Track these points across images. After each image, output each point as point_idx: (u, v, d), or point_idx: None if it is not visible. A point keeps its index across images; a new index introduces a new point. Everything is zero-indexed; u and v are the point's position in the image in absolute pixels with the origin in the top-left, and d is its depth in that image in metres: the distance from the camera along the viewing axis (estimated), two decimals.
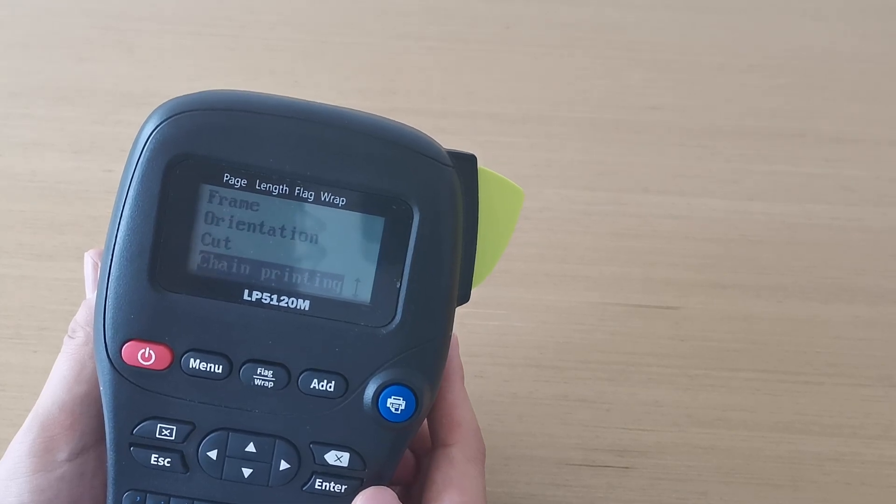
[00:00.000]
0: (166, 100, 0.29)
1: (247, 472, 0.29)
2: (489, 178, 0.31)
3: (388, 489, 0.30)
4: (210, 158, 0.28)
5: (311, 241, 0.29)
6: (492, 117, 0.54)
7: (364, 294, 0.29)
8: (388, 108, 0.52)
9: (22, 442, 0.29)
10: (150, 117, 0.28)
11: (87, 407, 0.30)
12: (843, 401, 0.44)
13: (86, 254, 0.32)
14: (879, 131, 0.55)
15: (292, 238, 0.29)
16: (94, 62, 0.55)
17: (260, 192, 0.28)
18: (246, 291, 0.29)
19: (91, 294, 0.31)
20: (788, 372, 0.45)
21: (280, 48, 0.57)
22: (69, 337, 0.31)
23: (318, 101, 0.30)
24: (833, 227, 0.50)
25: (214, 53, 0.57)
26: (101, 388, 0.29)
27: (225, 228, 0.29)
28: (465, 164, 0.30)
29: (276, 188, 0.28)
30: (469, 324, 0.45)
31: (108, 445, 0.29)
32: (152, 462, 0.29)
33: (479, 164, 0.31)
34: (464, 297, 0.31)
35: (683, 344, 0.45)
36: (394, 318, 0.29)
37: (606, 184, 0.51)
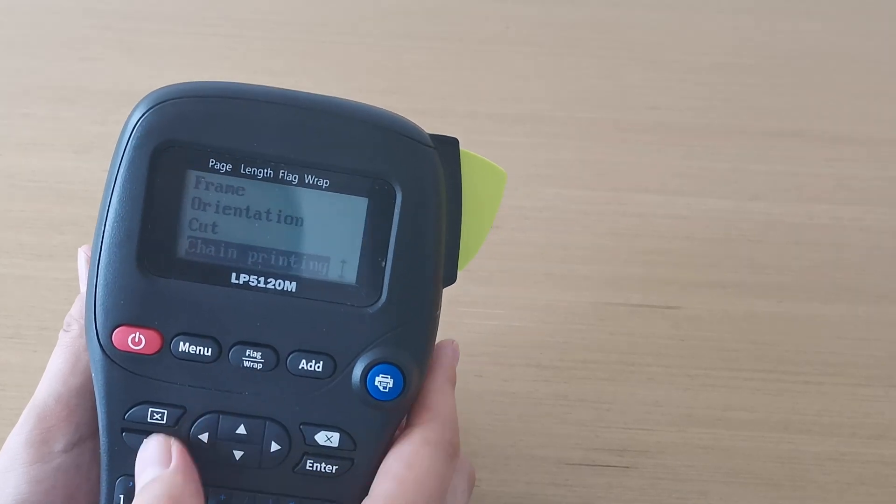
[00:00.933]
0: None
1: (238, 454, 0.29)
2: (471, 160, 0.31)
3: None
4: (195, 144, 0.28)
5: (296, 224, 0.29)
6: (492, 117, 0.54)
7: (350, 275, 0.29)
8: (388, 108, 0.51)
9: (19, 434, 0.29)
10: (136, 107, 0.29)
11: (82, 398, 0.30)
12: (843, 401, 0.44)
13: (79, 249, 0.32)
14: (879, 131, 0.55)
15: (278, 221, 0.29)
16: (94, 62, 0.56)
17: (245, 176, 0.29)
18: (233, 275, 0.29)
19: (85, 288, 0.32)
20: (788, 372, 0.45)
21: (280, 48, 0.57)
22: (64, 330, 0.31)
23: None
24: (833, 227, 0.50)
25: (214, 53, 0.57)
26: (93, 375, 0.29)
27: (211, 213, 0.29)
28: (448, 147, 0.31)
29: (260, 172, 0.29)
30: (468, 323, 0.45)
31: (100, 431, 0.29)
32: None
33: (462, 147, 0.31)
34: (450, 279, 0.31)
35: (683, 344, 0.45)
36: (380, 297, 0.29)
37: (606, 184, 0.51)
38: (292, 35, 0.58)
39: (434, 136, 0.30)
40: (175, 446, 0.28)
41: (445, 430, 0.30)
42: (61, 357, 0.30)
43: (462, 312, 0.45)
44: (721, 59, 0.58)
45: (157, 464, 0.28)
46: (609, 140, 0.53)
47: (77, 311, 0.31)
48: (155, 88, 0.30)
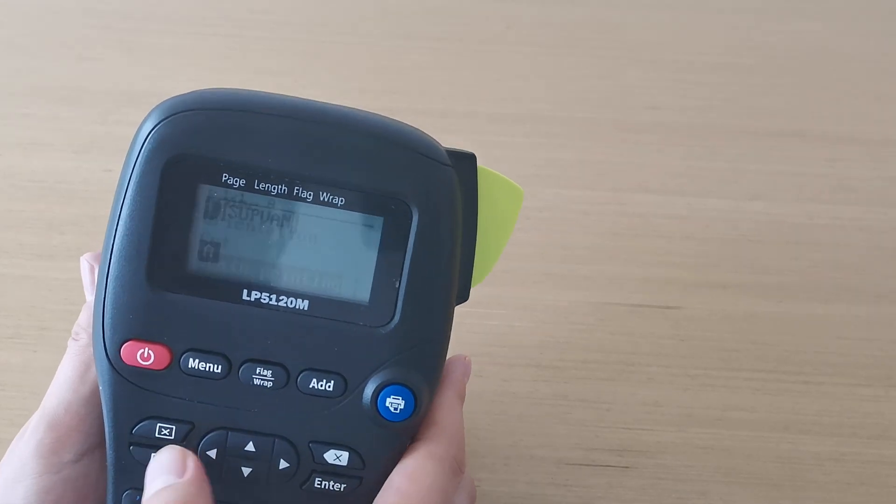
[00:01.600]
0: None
1: (246, 471, 0.29)
2: (489, 176, 0.31)
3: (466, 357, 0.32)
4: (208, 158, 0.28)
5: (309, 241, 0.29)
6: (492, 117, 0.54)
7: (363, 293, 0.29)
8: (388, 108, 0.51)
9: (28, 443, 0.29)
10: (147, 117, 0.28)
11: (92, 408, 0.30)
12: (843, 401, 0.44)
13: (81, 258, 0.32)
14: (879, 131, 0.55)
15: (291, 238, 0.29)
16: (94, 62, 0.56)
17: (258, 191, 0.28)
18: (245, 291, 0.29)
19: (91, 297, 0.31)
20: (788, 372, 0.45)
21: (280, 48, 0.57)
22: (73, 339, 0.31)
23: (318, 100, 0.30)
24: (833, 227, 0.50)
25: (214, 53, 0.57)
26: (101, 388, 0.29)
27: (223, 228, 0.29)
28: (465, 163, 0.30)
29: (274, 188, 0.28)
30: (468, 323, 0.45)
31: (107, 445, 0.29)
32: None
33: (479, 163, 0.31)
34: (463, 296, 0.31)
35: (683, 344, 0.45)
36: (393, 317, 0.29)
37: (606, 184, 0.51)
38: (292, 35, 0.58)
39: (451, 152, 0.30)
40: (191, 458, 0.28)
41: (451, 446, 0.30)
42: (70, 365, 0.30)
43: (462, 312, 0.45)
44: (721, 59, 0.58)
45: (171, 473, 0.27)
46: (609, 140, 0.53)
47: (85, 320, 0.31)
48: (159, 92, 0.29)
